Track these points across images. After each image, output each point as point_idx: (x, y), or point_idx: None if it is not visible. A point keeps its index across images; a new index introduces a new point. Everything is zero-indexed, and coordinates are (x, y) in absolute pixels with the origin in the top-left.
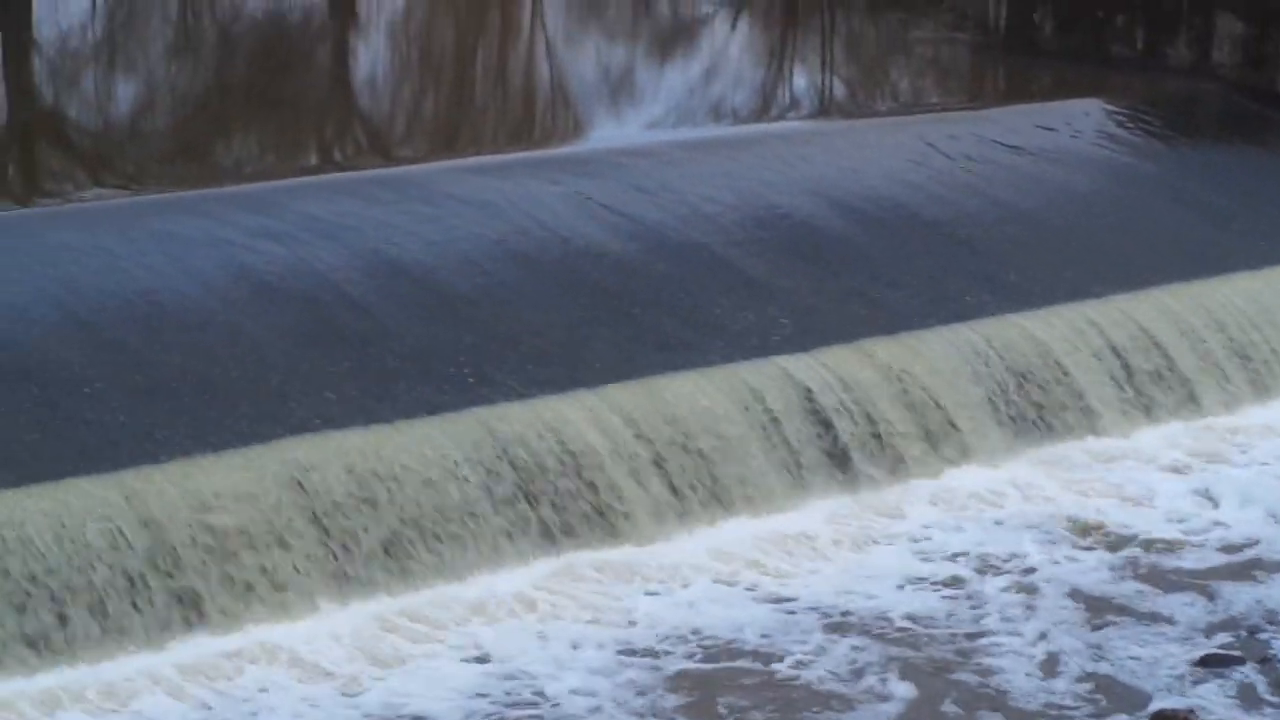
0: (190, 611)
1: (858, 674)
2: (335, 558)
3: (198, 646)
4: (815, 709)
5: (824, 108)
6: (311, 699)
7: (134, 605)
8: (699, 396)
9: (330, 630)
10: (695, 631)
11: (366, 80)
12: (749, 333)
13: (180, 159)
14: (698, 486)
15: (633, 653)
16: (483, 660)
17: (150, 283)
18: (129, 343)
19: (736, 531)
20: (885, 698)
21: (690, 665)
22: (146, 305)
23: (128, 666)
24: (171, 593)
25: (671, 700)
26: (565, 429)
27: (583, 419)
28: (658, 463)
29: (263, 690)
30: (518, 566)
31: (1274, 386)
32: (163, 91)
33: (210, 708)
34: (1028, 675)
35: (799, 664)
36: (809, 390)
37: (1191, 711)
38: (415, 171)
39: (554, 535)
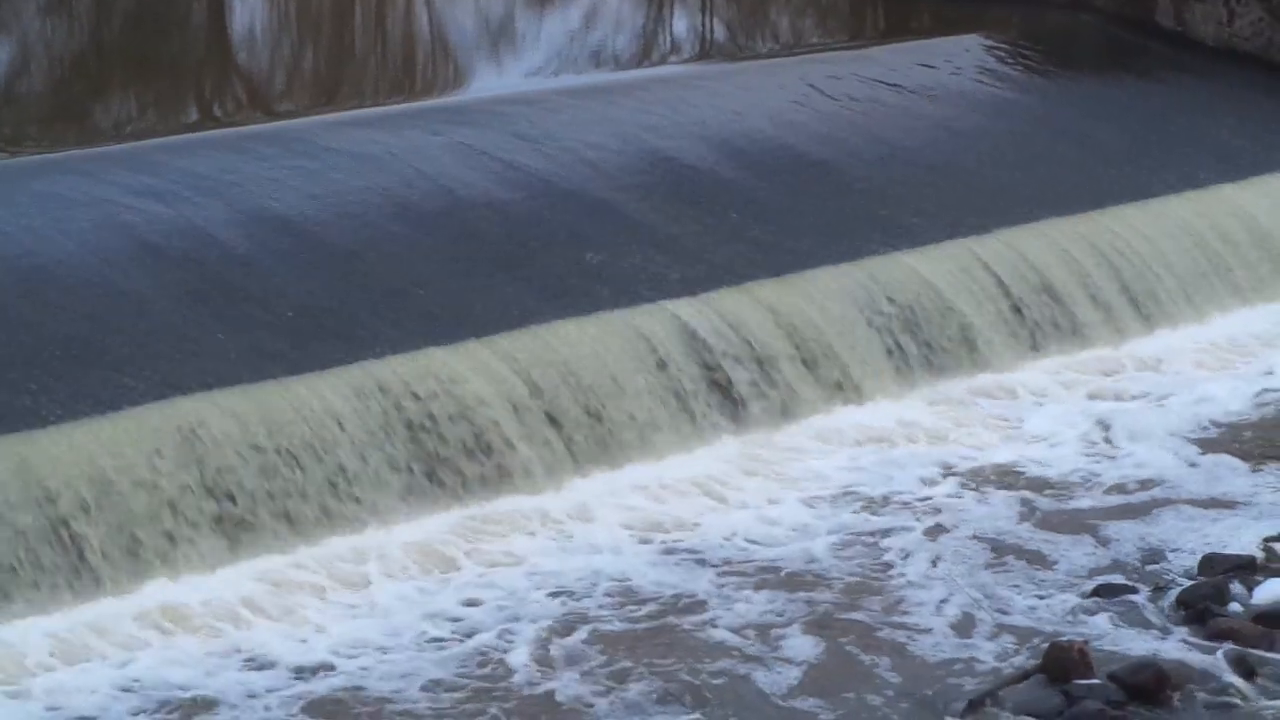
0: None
1: (758, 623)
2: (223, 516)
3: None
4: (716, 658)
5: (705, 50)
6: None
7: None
8: (588, 343)
9: (224, 584)
10: (593, 581)
11: (244, 35)
12: (636, 278)
13: (58, 119)
14: (588, 435)
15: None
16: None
17: (30, 244)
18: (10, 305)
19: (630, 478)
20: (786, 644)
21: (592, 614)
22: (26, 268)
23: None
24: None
25: (574, 652)
26: (454, 380)
27: (471, 370)
28: (549, 412)
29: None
30: (410, 521)
31: (1158, 318)
32: (38, 51)
33: None
34: (927, 614)
35: (700, 612)
36: (698, 334)
37: (1085, 642)
38: (295, 125)
39: (448, 488)
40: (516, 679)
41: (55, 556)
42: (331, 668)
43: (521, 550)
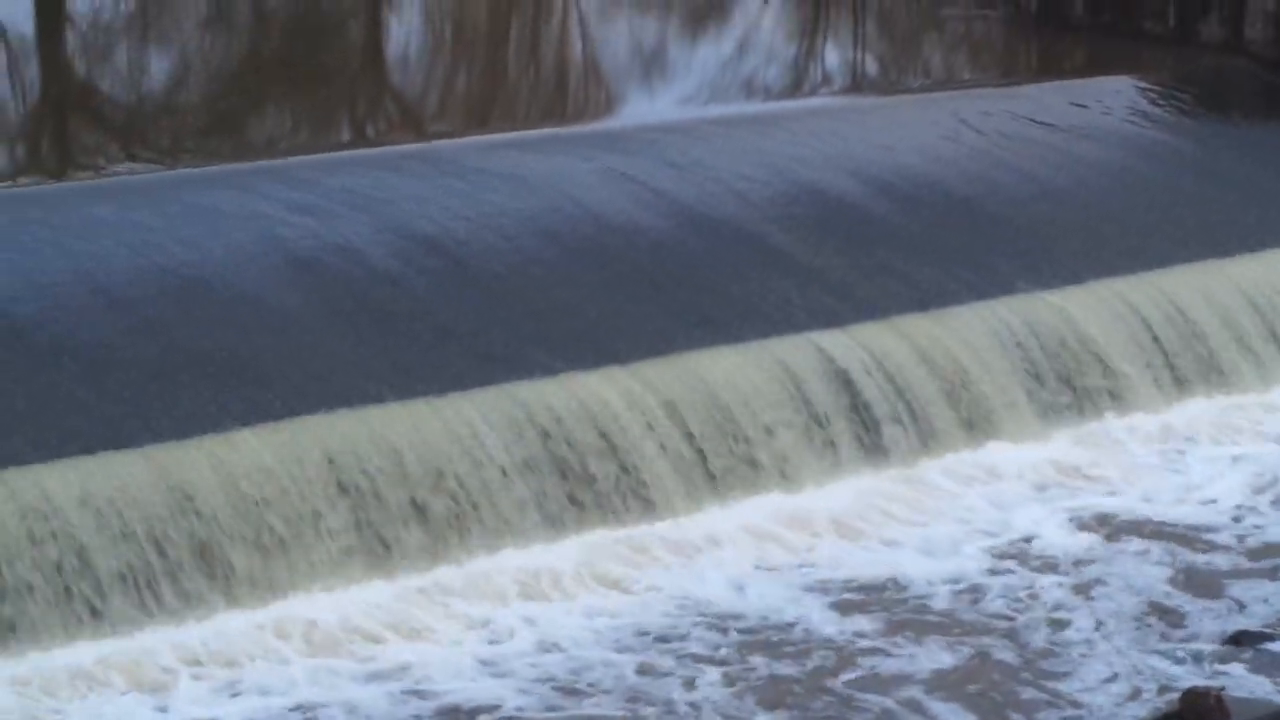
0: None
1: (905, 660)
2: (370, 532)
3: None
4: (866, 691)
5: (856, 83)
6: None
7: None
8: (733, 373)
9: (371, 600)
10: (732, 612)
11: (400, 54)
12: (782, 309)
13: (213, 132)
14: (733, 464)
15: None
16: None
17: (184, 256)
18: (163, 318)
19: (768, 508)
20: (923, 679)
21: (716, 651)
22: (180, 280)
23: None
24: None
25: (702, 683)
26: (597, 405)
27: (615, 395)
28: (691, 440)
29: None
30: (551, 543)
31: None
32: (197, 65)
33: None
34: (1068, 661)
35: (844, 644)
36: (843, 368)
37: (1222, 689)
38: (448, 146)
39: (588, 512)
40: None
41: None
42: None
43: (659, 576)
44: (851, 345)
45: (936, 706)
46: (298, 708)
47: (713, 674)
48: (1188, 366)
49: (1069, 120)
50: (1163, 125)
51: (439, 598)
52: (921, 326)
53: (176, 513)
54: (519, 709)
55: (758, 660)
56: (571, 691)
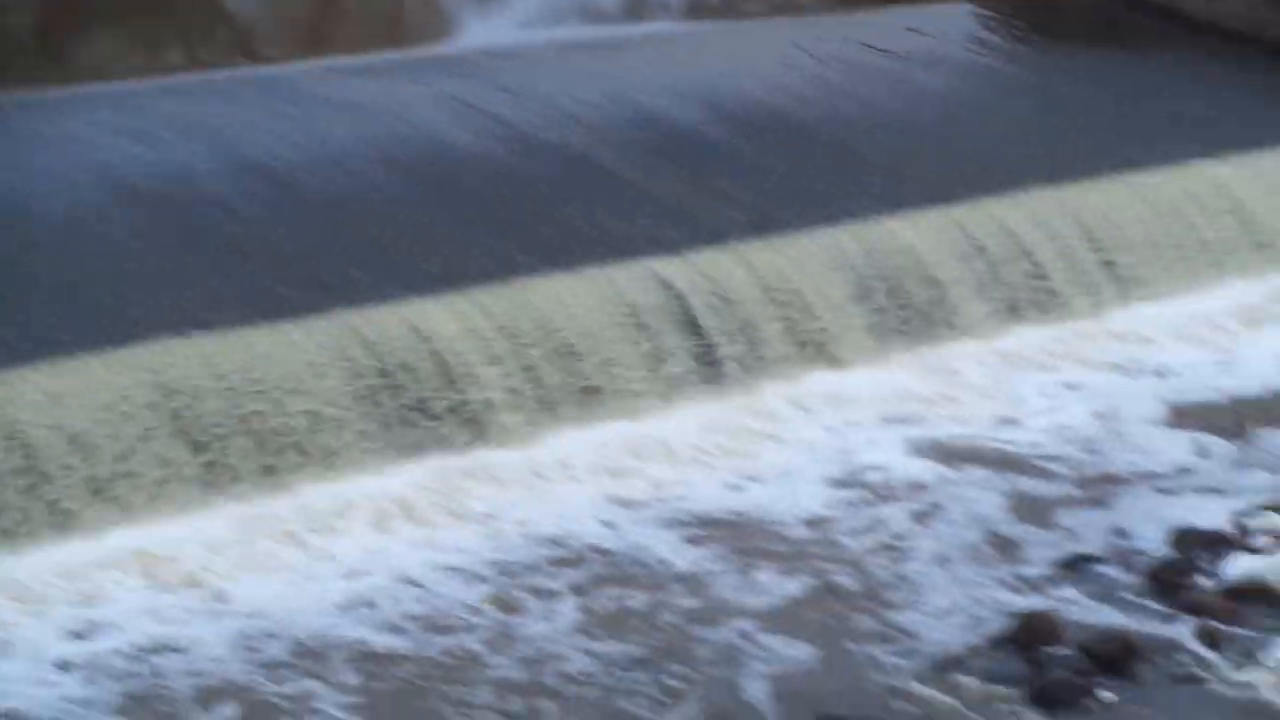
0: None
1: (731, 574)
2: (202, 461)
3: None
4: (686, 613)
5: (694, 9)
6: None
7: None
8: (571, 300)
9: (200, 530)
10: (564, 536)
11: None
12: (620, 236)
13: (40, 57)
14: (568, 391)
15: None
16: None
17: (10, 182)
18: None
19: (608, 434)
20: (764, 593)
21: (558, 571)
22: (5, 206)
23: None
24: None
25: (570, 603)
26: (435, 333)
27: (453, 322)
28: (530, 369)
29: None
30: (386, 468)
31: (1137, 291)
32: None
33: None
34: (901, 581)
35: (687, 574)
36: (681, 294)
37: (1055, 612)
38: (281, 71)
39: (422, 438)
40: (482, 623)
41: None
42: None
43: (492, 501)
44: (690, 272)
45: (777, 637)
46: (136, 643)
47: (563, 606)
48: (1023, 294)
49: (906, 47)
50: (1000, 52)
51: (279, 527)
52: (760, 253)
53: (4, 441)
54: (381, 647)
55: (604, 592)
56: (430, 627)
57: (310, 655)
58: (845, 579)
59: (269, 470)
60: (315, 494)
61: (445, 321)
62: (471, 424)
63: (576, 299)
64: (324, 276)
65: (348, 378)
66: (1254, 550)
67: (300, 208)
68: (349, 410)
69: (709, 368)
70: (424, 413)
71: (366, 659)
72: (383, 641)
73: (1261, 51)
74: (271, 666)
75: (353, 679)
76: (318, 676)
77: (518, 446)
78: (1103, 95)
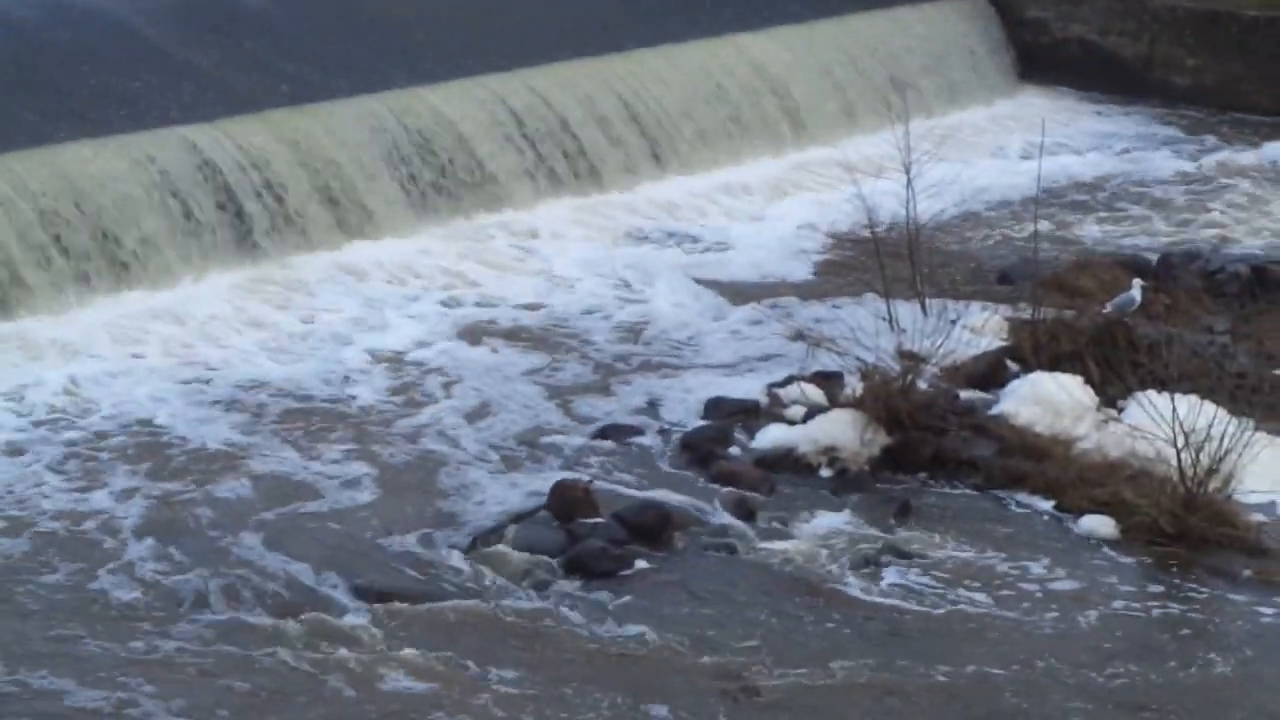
0: None
1: (286, 464)
2: None
3: None
4: (199, 476)
5: None
6: None
7: None
8: (101, 167)
9: None
10: (92, 406)
11: None
12: (152, 102)
13: None
14: (97, 260)
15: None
16: None
17: None
18: None
19: (136, 305)
20: (286, 469)
21: (88, 435)
22: None
23: None
24: None
25: (57, 474)
26: None
27: None
28: (56, 235)
29: None
30: None
31: (670, 162)
32: None
33: None
34: (436, 450)
35: (195, 437)
36: (211, 161)
37: (590, 481)
38: None
39: None
40: None
41: None
42: None
43: (21, 373)
44: (222, 139)
45: (319, 520)
46: None
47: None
48: (559, 165)
49: None
50: None
51: None
52: (294, 121)
53: None
54: None
55: (136, 466)
56: None
57: None
58: (387, 456)
59: None
60: None
61: None
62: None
63: (107, 166)
64: None
65: None
66: (785, 420)
67: None
68: None
69: (242, 236)
70: None
71: None
72: None
73: None
74: None
75: None
76: None
77: (46, 317)
78: None
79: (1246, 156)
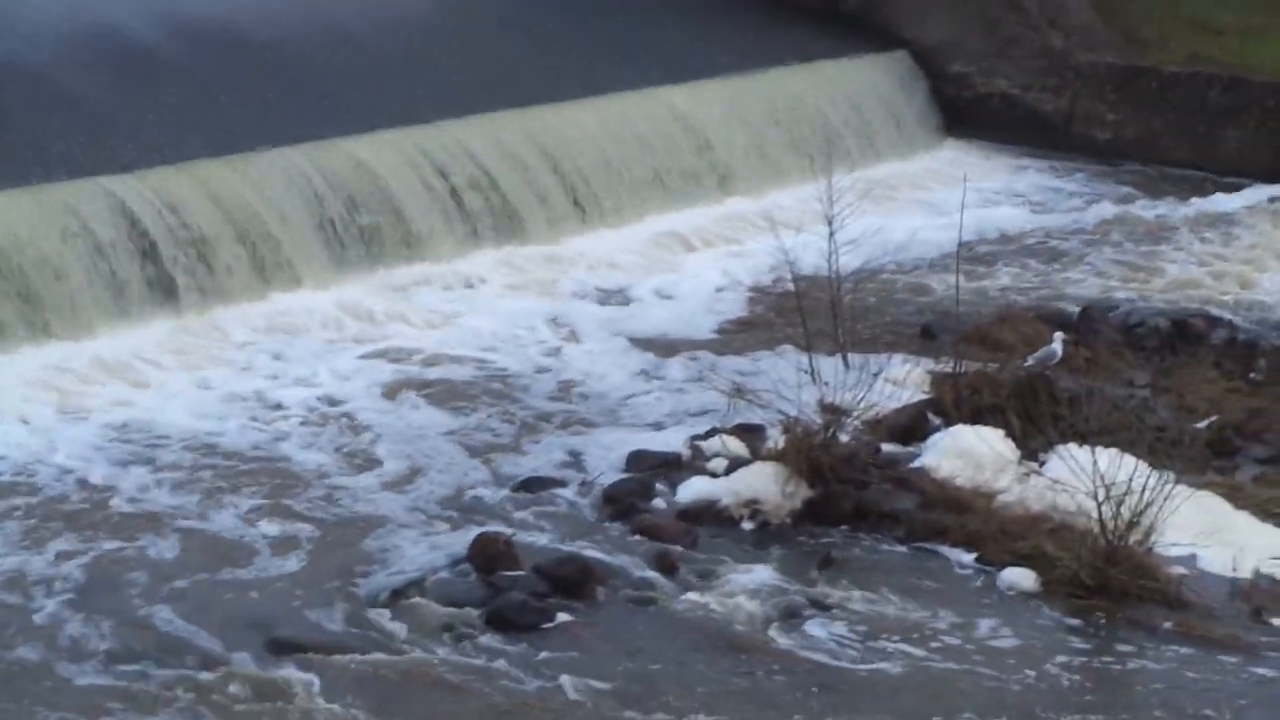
0: None
1: (199, 500)
2: None
3: None
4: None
5: None
6: None
7: None
8: (14, 216)
9: None
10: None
11: None
12: (72, 152)
13: None
14: (12, 314)
15: None
16: None
17: None
18: None
19: (56, 355)
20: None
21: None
22: None
23: None
24: None
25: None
26: None
27: None
28: None
29: None
30: None
31: (594, 214)
32: None
33: None
34: (358, 501)
35: (111, 492)
36: (132, 212)
37: (511, 534)
38: None
39: None
40: None
41: None
42: None
43: None
44: (143, 189)
45: (236, 575)
46: None
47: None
48: (483, 217)
49: None
50: None
51: None
52: (216, 171)
53: None
54: None
55: (47, 524)
56: None
57: None
58: (306, 510)
59: None
60: None
61: None
62: None
63: (22, 217)
64: None
65: None
66: (707, 473)
67: None
68: None
69: (164, 289)
70: None
71: None
72: None
73: None
74: None
75: None
76: None
77: None
78: (572, 23)
79: (1167, 209)
